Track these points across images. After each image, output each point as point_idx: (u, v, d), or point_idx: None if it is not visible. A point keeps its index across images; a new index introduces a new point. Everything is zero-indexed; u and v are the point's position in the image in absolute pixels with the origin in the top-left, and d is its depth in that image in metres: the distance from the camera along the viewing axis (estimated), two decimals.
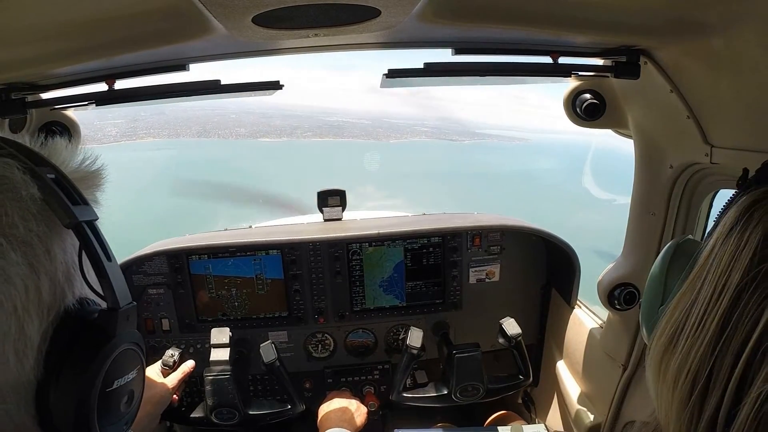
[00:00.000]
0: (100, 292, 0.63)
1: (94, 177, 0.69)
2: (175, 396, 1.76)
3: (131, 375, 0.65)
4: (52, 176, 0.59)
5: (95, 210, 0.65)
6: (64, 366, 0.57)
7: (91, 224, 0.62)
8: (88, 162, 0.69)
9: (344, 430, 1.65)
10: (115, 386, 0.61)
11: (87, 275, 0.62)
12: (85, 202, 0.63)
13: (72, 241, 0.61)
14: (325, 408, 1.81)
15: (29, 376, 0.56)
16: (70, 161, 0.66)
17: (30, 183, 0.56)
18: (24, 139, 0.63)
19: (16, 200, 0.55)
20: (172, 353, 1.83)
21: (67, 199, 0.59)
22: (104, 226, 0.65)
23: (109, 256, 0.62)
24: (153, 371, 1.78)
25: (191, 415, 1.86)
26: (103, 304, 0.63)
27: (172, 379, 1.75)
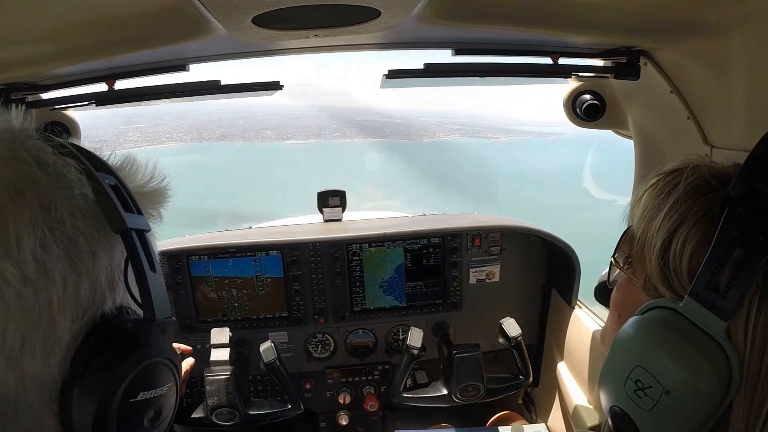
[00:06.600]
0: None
1: (157, 194, 0.69)
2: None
3: (160, 390, 0.62)
4: (112, 183, 0.59)
5: (154, 224, 0.65)
6: (90, 368, 0.56)
7: (141, 234, 0.61)
8: (154, 179, 0.69)
9: None
10: (140, 398, 0.59)
11: (132, 285, 0.61)
12: (140, 212, 0.62)
13: (122, 249, 0.60)
14: None
15: (54, 373, 0.55)
16: (135, 176, 0.67)
17: (85, 183, 0.56)
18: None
19: (67, 197, 0.54)
20: None
21: (120, 205, 0.58)
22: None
23: (153, 267, 0.61)
24: None
25: (191, 416, 1.85)
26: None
27: None
